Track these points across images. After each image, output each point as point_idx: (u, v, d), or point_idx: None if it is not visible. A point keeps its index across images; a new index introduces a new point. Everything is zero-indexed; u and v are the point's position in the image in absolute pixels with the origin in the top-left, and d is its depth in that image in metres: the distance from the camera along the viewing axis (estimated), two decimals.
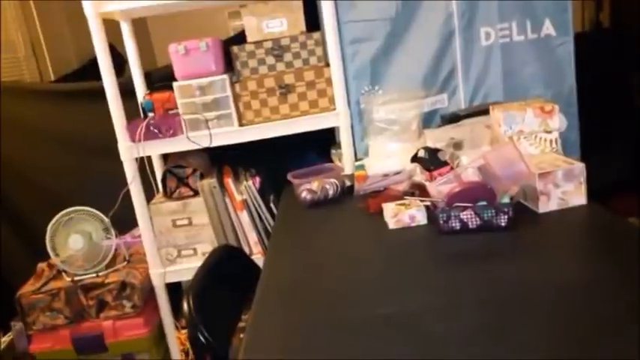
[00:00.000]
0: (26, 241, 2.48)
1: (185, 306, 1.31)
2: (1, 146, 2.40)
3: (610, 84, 2.66)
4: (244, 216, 2.09)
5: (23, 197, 2.48)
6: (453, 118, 1.92)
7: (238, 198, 2.07)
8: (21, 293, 2.08)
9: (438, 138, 1.77)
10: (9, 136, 2.41)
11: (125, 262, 2.18)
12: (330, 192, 1.77)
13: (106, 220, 2.14)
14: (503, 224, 1.33)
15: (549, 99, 1.73)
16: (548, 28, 1.99)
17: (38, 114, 2.43)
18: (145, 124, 1.96)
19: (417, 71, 2.01)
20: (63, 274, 2.14)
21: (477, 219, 1.34)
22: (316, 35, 1.99)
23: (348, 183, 1.84)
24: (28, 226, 2.46)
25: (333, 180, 1.79)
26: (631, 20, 2.77)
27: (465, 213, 1.34)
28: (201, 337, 1.27)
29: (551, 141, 1.57)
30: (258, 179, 2.13)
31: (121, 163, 2.01)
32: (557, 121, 1.57)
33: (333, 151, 2.17)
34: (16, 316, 2.16)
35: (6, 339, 2.24)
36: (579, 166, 1.40)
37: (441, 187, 1.42)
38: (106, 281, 2.08)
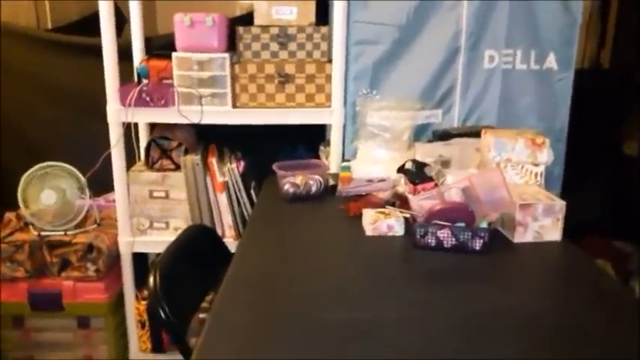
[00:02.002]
0: None
1: (151, 280, 1.30)
2: None
3: (600, 125, 2.70)
4: (223, 198, 2.07)
5: (2, 143, 2.42)
6: (445, 136, 1.94)
7: (220, 179, 2.06)
8: None
9: (427, 153, 1.78)
10: None
11: (95, 225, 2.15)
12: (313, 188, 1.77)
13: (83, 179, 2.10)
14: (477, 248, 1.35)
15: (541, 131, 1.75)
16: (551, 61, 2.02)
17: (30, 61, 2.36)
18: (137, 89, 1.93)
19: (417, 82, 2.01)
20: (30, 227, 2.09)
21: (453, 239, 1.35)
22: (324, 29, 1.98)
23: (331, 182, 1.84)
24: (2, 172, 2.40)
25: (317, 177, 1.79)
26: (631, 62, 2.81)
27: (442, 231, 1.35)
28: (162, 313, 1.26)
29: (536, 174, 1.59)
30: (242, 163, 2.11)
31: (107, 125, 1.97)
32: (546, 155, 1.59)
33: (321, 148, 2.16)
34: None
35: None
36: (560, 204, 1.42)
37: (422, 202, 1.43)
38: (73, 241, 2.04)
